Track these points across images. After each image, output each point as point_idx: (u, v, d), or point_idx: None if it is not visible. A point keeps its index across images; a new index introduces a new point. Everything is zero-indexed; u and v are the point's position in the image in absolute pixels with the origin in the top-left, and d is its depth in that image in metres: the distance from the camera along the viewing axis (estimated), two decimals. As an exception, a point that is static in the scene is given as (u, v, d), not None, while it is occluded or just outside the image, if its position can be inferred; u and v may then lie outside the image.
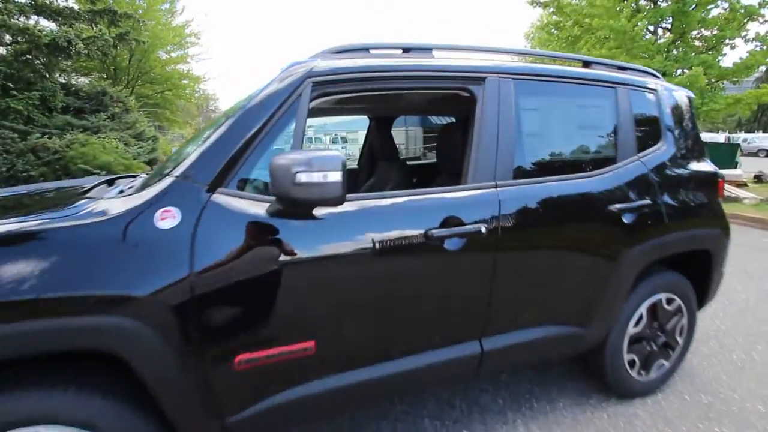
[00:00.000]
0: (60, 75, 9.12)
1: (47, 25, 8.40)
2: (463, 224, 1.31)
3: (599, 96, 1.71)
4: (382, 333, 1.28)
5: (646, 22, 9.33)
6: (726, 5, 9.24)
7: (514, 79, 1.49)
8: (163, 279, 0.98)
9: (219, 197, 1.08)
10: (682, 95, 1.97)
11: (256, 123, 1.13)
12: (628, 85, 1.77)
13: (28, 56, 7.96)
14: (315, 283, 1.15)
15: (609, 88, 1.72)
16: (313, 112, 1.48)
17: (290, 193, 0.99)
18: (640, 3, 10.06)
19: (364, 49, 1.36)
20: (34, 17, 8.30)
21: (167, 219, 1.01)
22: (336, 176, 1.00)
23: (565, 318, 1.60)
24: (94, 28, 8.81)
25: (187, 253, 1.00)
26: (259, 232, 1.08)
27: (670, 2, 9.30)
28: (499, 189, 1.39)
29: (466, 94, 1.45)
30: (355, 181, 2.66)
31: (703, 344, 2.40)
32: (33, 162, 6.68)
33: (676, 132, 1.88)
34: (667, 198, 1.73)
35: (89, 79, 11.13)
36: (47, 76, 8.47)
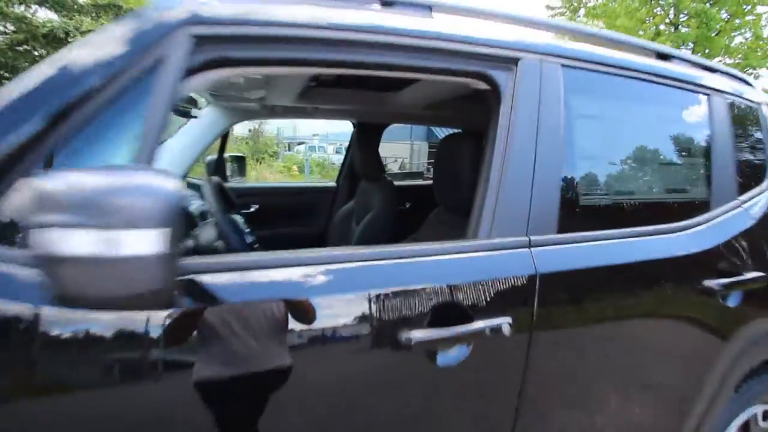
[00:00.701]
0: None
1: (52, 17, 8.33)
2: (469, 318, 0.71)
3: (687, 104, 1.12)
4: None
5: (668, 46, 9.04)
6: (749, 34, 8.85)
7: (564, 66, 0.90)
8: None
9: None
10: None
11: (55, 103, 0.56)
12: (725, 93, 1.18)
13: (24, 46, 7.86)
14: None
15: (702, 94, 1.13)
16: (242, 111, 0.89)
17: (44, 273, 0.42)
18: (660, 27, 9.77)
19: None
20: (34, 6, 8.19)
21: None
22: (145, 242, 0.41)
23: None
24: (98, 22, 8.72)
25: None
26: (26, 331, 0.50)
27: (690, 28, 8.96)
28: (534, 249, 0.79)
29: (485, 86, 0.87)
30: (332, 202, 2.09)
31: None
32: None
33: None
34: (782, 266, 1.14)
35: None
36: (44, 67, 8.36)
